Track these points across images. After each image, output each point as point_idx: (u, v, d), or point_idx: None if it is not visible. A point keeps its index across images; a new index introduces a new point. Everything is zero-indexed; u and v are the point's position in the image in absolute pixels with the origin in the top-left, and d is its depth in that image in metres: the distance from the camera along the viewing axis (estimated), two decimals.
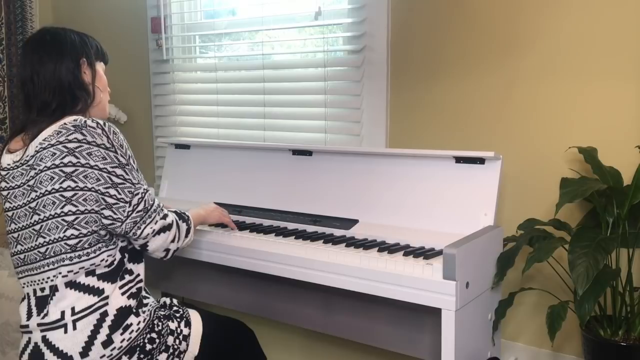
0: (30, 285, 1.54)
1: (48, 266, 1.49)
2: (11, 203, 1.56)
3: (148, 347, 1.52)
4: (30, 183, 1.50)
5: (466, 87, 2.13)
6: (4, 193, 1.57)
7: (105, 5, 3.08)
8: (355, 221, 2.01)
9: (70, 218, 1.46)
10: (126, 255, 1.57)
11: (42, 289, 1.51)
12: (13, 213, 1.55)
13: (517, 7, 2.01)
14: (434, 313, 1.61)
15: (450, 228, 1.85)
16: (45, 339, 1.47)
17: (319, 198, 2.13)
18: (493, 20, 2.06)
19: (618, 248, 1.73)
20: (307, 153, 2.21)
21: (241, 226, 2.05)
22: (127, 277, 1.55)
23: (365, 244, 1.78)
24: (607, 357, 1.74)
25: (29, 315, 1.52)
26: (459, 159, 1.89)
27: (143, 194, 1.53)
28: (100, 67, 1.68)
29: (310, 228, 2.03)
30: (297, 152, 2.23)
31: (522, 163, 2.04)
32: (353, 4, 2.32)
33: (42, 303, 1.50)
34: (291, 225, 2.07)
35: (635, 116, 1.86)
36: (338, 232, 1.97)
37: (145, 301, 1.60)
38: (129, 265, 1.57)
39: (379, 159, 2.05)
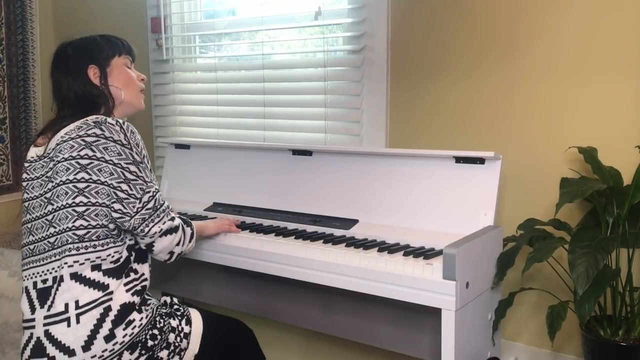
0: (32, 277, 1.55)
1: (55, 256, 1.52)
2: (28, 194, 1.61)
3: (150, 343, 1.53)
4: (48, 174, 1.55)
5: (466, 87, 2.13)
6: (24, 184, 1.63)
7: (105, 5, 3.08)
8: (355, 221, 2.01)
9: (81, 209, 1.49)
10: (132, 253, 1.58)
11: (44, 281, 1.53)
12: (29, 204, 1.60)
13: (517, 7, 2.01)
14: (434, 313, 1.61)
15: (450, 228, 1.84)
16: (47, 333, 1.48)
17: (319, 198, 2.13)
18: (493, 20, 2.06)
19: (618, 248, 1.73)
20: (307, 153, 2.21)
21: (241, 226, 2.05)
22: (132, 275, 1.57)
23: (365, 244, 1.78)
24: (607, 357, 1.74)
25: (32, 309, 1.53)
26: (458, 159, 1.89)
27: (154, 193, 1.56)
28: (119, 62, 1.70)
29: (310, 228, 2.03)
30: (297, 152, 2.23)
31: (522, 163, 2.04)
32: (353, 4, 2.32)
33: (44, 295, 1.52)
34: (291, 225, 2.07)
35: (635, 116, 1.86)
36: (338, 232, 1.97)
37: (147, 300, 1.61)
38: (135, 265, 1.59)
39: (379, 159, 2.05)
